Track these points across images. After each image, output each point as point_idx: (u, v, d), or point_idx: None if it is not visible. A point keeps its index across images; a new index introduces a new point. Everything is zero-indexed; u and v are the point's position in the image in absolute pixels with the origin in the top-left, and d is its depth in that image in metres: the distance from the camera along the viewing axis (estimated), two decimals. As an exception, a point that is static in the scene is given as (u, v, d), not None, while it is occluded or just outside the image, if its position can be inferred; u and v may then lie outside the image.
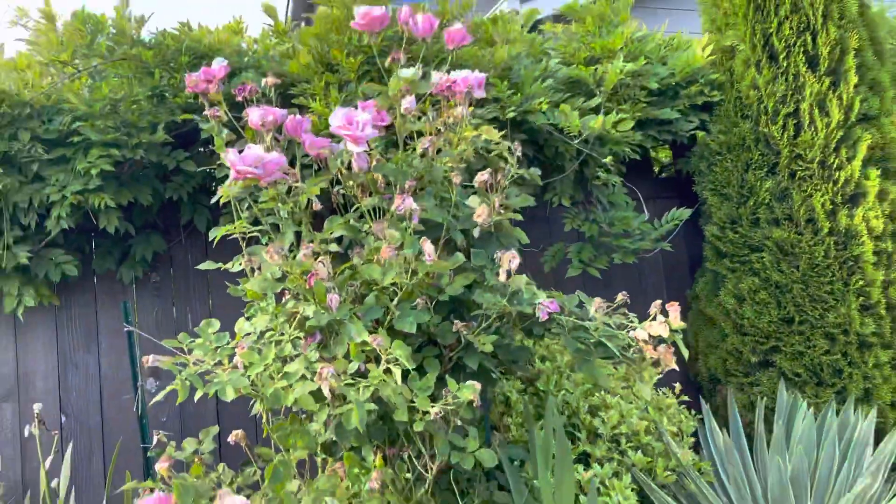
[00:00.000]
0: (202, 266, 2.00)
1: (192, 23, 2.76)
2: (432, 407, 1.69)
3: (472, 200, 1.94)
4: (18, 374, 2.78)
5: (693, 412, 2.74)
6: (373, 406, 1.63)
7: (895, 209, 2.85)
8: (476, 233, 1.98)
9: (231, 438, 1.92)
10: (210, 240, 2.27)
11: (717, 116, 3.14)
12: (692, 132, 3.14)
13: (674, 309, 1.84)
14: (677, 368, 2.21)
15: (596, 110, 2.84)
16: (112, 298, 2.89)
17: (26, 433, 2.42)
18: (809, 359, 2.81)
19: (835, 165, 2.84)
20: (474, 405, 1.79)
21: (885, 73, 3.01)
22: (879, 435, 2.71)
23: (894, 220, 2.86)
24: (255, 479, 1.99)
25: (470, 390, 1.71)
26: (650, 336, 1.84)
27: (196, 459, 1.92)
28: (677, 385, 2.80)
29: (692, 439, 2.63)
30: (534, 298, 1.89)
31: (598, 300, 1.85)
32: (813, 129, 2.87)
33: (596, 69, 2.89)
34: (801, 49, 2.92)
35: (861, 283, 2.78)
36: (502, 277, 1.80)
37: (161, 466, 1.69)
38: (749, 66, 3.02)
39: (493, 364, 2.01)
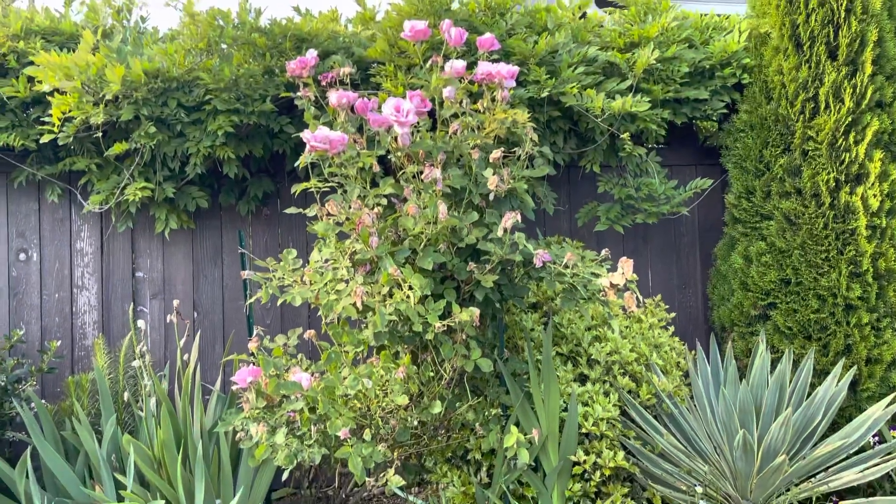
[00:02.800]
0: (288, 210, 2.68)
1: (301, 8, 3.38)
2: (440, 322, 2.32)
3: (487, 172, 2.48)
4: (164, 278, 3.56)
5: (692, 352, 3.21)
6: (394, 317, 2.27)
7: (895, 189, 3.17)
8: (491, 197, 2.54)
9: (306, 335, 2.63)
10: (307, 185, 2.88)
11: (746, 97, 3.49)
12: (722, 111, 3.52)
13: (628, 264, 2.36)
14: (672, 313, 2.72)
15: (628, 91, 3.29)
16: (233, 226, 3.60)
17: (167, 321, 3.22)
18: (801, 316, 3.21)
19: (842, 147, 3.17)
20: (474, 325, 2.39)
21: (903, 65, 3.27)
22: (854, 386, 3.14)
23: (893, 199, 3.18)
24: (322, 368, 2.67)
25: (468, 314, 2.32)
26: (612, 284, 2.38)
27: (281, 348, 2.64)
28: (671, 328, 3.29)
29: (680, 372, 3.14)
30: (529, 250, 2.44)
31: (569, 253, 2.37)
32: (827, 113, 3.20)
33: (631, 54, 3.33)
34: (824, 40, 3.22)
35: (853, 253, 3.13)
36: (499, 233, 2.36)
37: (251, 345, 2.42)
38: (778, 53, 3.34)
39: (497, 297, 2.58)
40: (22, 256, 3.46)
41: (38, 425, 2.73)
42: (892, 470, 2.63)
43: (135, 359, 2.98)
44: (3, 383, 2.91)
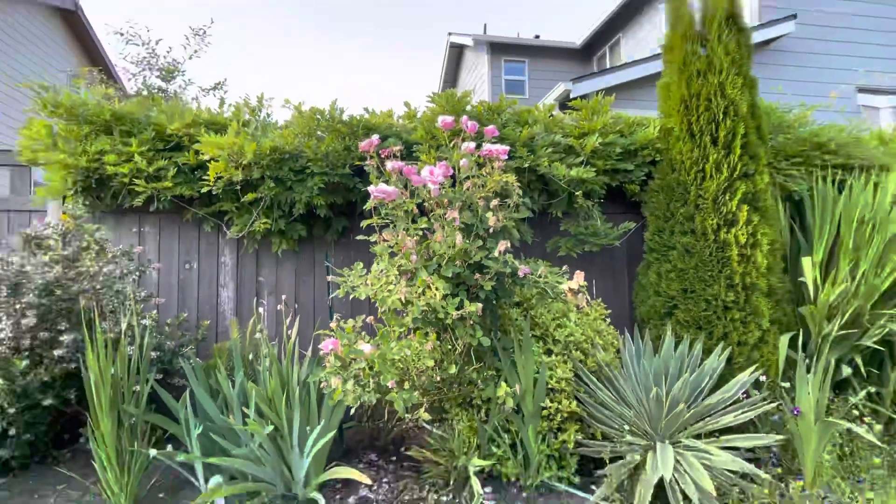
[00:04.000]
0: (358, 237, 2.71)
1: (369, 108, 3.45)
2: (456, 311, 2.32)
3: (488, 215, 2.50)
4: (276, 282, 3.59)
5: (622, 336, 3.18)
6: (426, 307, 2.28)
7: (756, 230, 3.14)
8: (491, 230, 2.56)
9: (368, 320, 2.65)
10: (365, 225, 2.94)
11: (658, 169, 3.48)
12: (643, 178, 3.52)
13: (579, 275, 2.35)
14: (609, 310, 2.69)
15: (580, 164, 3.30)
16: (321, 249, 3.63)
17: (279, 308, 3.24)
18: (694, 313, 3.17)
19: (721, 202, 3.15)
20: (479, 314, 2.39)
21: (762, 148, 3.25)
22: (730, 361, 3.07)
23: (755, 236, 3.15)
24: (379, 341, 2.69)
25: (474, 307, 2.33)
26: (570, 289, 2.37)
27: (351, 328, 2.65)
28: (608, 320, 3.25)
29: (615, 350, 3.10)
30: (515, 266, 2.46)
31: (543, 267, 2.38)
32: (711, 180, 3.19)
33: (583, 140, 3.34)
34: (709, 132, 3.23)
35: (729, 272, 3.10)
36: (496, 253, 2.38)
37: (332, 325, 2.43)
38: (678, 141, 3.34)
39: (494, 296, 2.58)
40: (187, 266, 3.51)
41: (194, 375, 2.75)
42: (755, 416, 2.57)
43: (257, 334, 3.00)
44: (174, 346, 2.93)
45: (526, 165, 3.11)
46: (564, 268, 2.53)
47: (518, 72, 12.30)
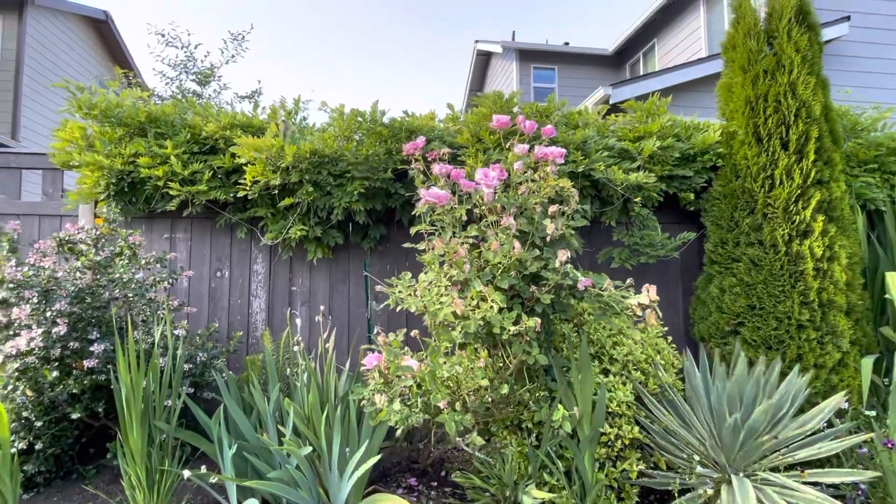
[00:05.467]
0: (406, 245, 2.58)
1: (409, 111, 3.35)
2: (513, 326, 2.17)
3: (546, 221, 2.36)
4: (310, 291, 3.49)
5: (682, 355, 2.99)
6: (482, 322, 2.13)
7: (833, 242, 2.93)
8: (548, 239, 2.41)
9: (412, 334, 2.50)
10: (410, 230, 2.82)
11: (719, 176, 3.30)
12: (703, 185, 3.33)
13: (652, 289, 2.17)
14: (666, 326, 2.52)
15: (636, 169, 3.14)
16: (357, 257, 3.52)
17: (317, 319, 3.12)
18: (764, 332, 2.96)
19: (793, 211, 2.95)
20: (536, 330, 2.24)
21: (837, 153, 3.04)
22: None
23: (832, 248, 2.93)
24: (423, 356, 2.56)
25: (533, 321, 2.17)
26: (639, 304, 2.20)
27: (395, 342, 2.51)
28: (669, 338, 3.06)
29: (677, 371, 2.90)
30: (576, 277, 2.30)
31: (608, 281, 2.21)
32: (781, 187, 2.99)
33: (639, 144, 3.18)
34: (778, 136, 3.04)
35: (803, 287, 2.89)
36: (557, 264, 2.23)
37: (380, 339, 2.29)
38: (743, 145, 3.16)
39: (551, 311, 2.42)
40: (218, 274, 3.42)
41: (227, 390, 2.64)
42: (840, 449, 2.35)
43: (291, 346, 2.88)
44: (205, 358, 2.83)
45: (580, 170, 2.96)
46: (629, 281, 2.35)
47: (548, 79, 12.17)
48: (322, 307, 2.84)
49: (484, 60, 14.80)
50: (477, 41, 13.84)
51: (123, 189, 3.09)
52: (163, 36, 6.98)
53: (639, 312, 2.23)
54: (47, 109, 11.57)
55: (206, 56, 7.01)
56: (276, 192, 3.02)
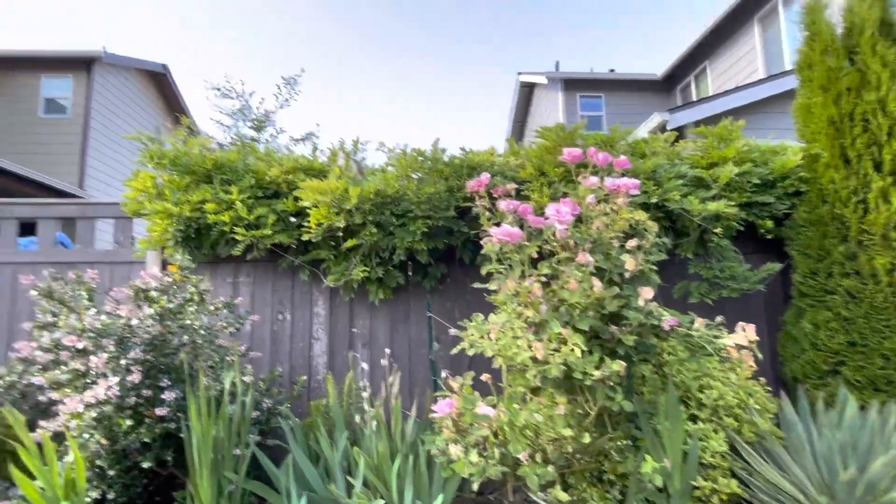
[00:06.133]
0: (476, 285, 2.52)
1: (467, 145, 3.35)
2: (596, 371, 2.06)
3: (625, 257, 2.27)
4: (370, 332, 3.47)
5: (778, 399, 2.77)
6: (563, 367, 2.04)
7: (945, 271, 2.69)
8: (627, 275, 2.30)
9: (484, 377, 2.41)
10: (471, 268, 2.77)
11: (803, 201, 3.12)
12: (785, 211, 3.16)
13: (749, 328, 2.03)
14: (757, 368, 2.35)
15: (712, 198, 3.00)
16: (418, 297, 3.48)
17: (382, 363, 3.08)
18: (869, 371, 2.73)
19: (894, 238, 2.74)
20: (620, 375, 2.12)
21: (940, 173, 2.83)
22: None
23: (944, 278, 2.69)
24: (494, 401, 2.46)
25: (617, 365, 2.05)
26: (736, 344, 2.05)
27: (468, 388, 2.43)
28: (762, 379, 2.84)
29: (772, 416, 2.68)
30: (661, 316, 2.18)
31: (699, 320, 2.09)
32: (877, 212, 2.80)
33: (713, 171, 3.05)
34: (869, 157, 2.86)
35: (913, 321, 2.66)
36: (641, 303, 2.12)
37: (453, 384, 2.22)
38: (828, 168, 2.99)
39: (634, 352, 2.30)
40: (280, 317, 3.46)
41: (294, 437, 2.61)
42: None
43: (354, 390, 2.84)
44: (270, 404, 2.82)
45: (653, 200, 2.85)
46: (719, 318, 2.21)
47: (595, 107, 12.12)
48: (387, 350, 2.81)
49: (527, 91, 14.93)
50: (520, 73, 14.02)
51: (190, 235, 3.19)
52: (219, 90, 7.42)
53: (734, 354, 2.08)
54: (109, 158, 12.38)
55: (260, 102, 7.38)
56: (340, 233, 3.04)
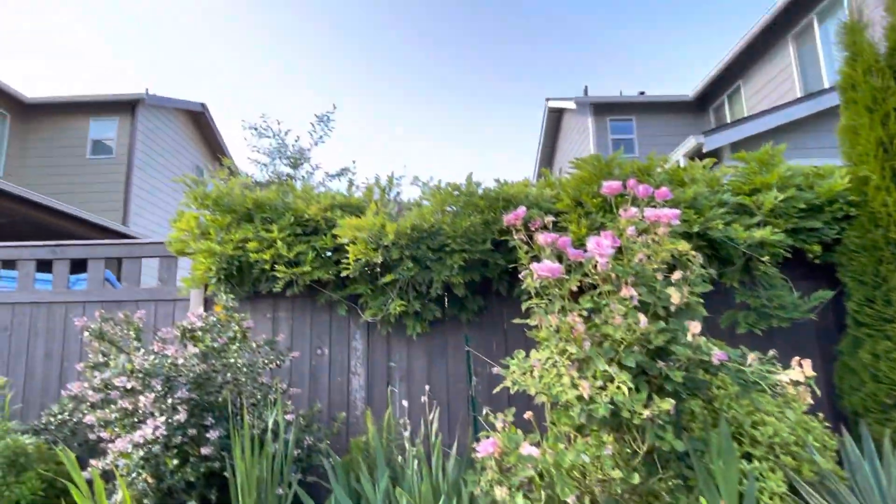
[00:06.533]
0: (515, 321, 2.52)
1: (501, 177, 3.37)
2: (645, 409, 2.01)
3: (670, 289, 2.22)
4: (407, 367, 3.47)
5: (837, 435, 2.64)
6: (610, 406, 1.99)
7: None
8: (672, 308, 2.26)
9: (526, 416, 2.37)
10: (509, 299, 2.75)
11: (854, 226, 3.02)
12: (834, 236, 3.06)
13: (806, 363, 1.95)
14: (812, 402, 2.25)
15: (757, 225, 2.93)
16: (454, 330, 3.48)
17: (422, 400, 3.07)
18: (938, 405, 2.58)
19: (957, 263, 2.62)
20: (670, 413, 2.06)
21: None
22: None
23: None
24: (538, 440, 2.41)
25: (667, 403, 2.00)
26: (791, 379, 1.97)
27: (512, 428, 2.39)
28: (820, 414, 2.71)
29: (833, 454, 2.55)
30: (710, 350, 2.12)
31: (752, 354, 2.02)
32: (937, 235, 2.68)
33: (756, 197, 2.99)
34: (925, 178, 2.76)
35: (984, 351, 2.51)
36: (688, 337, 2.07)
37: (498, 425, 2.19)
38: (879, 191, 2.89)
39: (683, 389, 2.24)
40: (318, 352, 3.50)
41: (335, 476, 2.62)
42: None
43: (394, 426, 2.83)
44: (311, 441, 2.84)
45: (695, 230, 2.81)
46: (772, 352, 2.14)
47: (625, 130, 12.07)
48: (426, 387, 2.80)
49: (556, 117, 14.99)
50: (548, 99, 14.11)
51: (232, 273, 3.28)
52: (255, 129, 7.73)
53: (790, 390, 2.00)
54: (149, 195, 12.92)
55: (296, 140, 7.61)
56: (377, 269, 3.08)
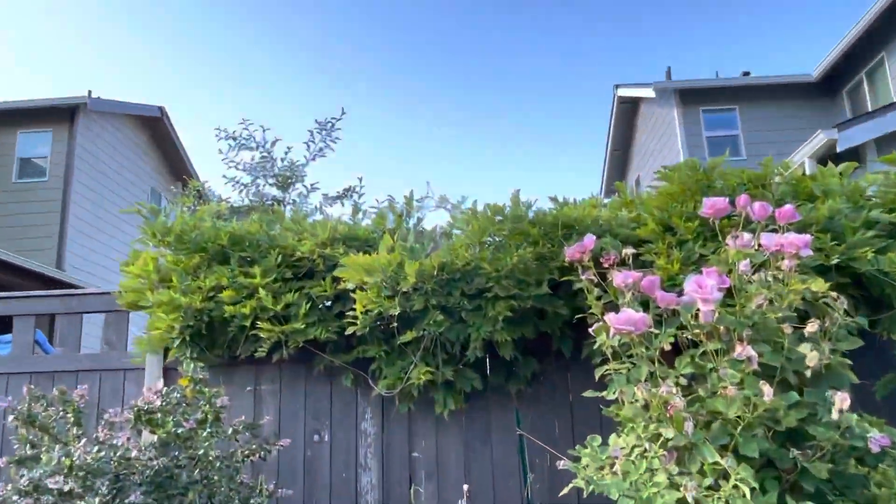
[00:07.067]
0: (587, 394, 2.48)
1: (558, 194, 3.37)
2: (776, 519, 1.93)
3: (803, 347, 2.16)
4: (437, 458, 3.42)
5: None
6: (726, 513, 1.93)
7: None
8: (808, 373, 2.19)
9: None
10: (572, 362, 2.71)
11: None
12: None
13: None
14: None
15: (923, 252, 2.84)
16: (500, 406, 3.46)
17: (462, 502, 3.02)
18: None
19: None
20: (812, 523, 1.98)
21: None
22: None
23: None
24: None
25: (807, 509, 1.93)
26: None
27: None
28: None
29: None
30: (865, 432, 2.05)
31: (927, 440, 1.93)
32: None
33: (920, 214, 2.91)
34: None
35: None
36: (835, 415, 2.00)
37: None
38: None
39: (829, 487, 2.15)
40: (316, 437, 3.50)
41: None
42: None
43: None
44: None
45: (833, 261, 2.74)
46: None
47: (726, 124, 12.02)
48: (465, 486, 2.76)
49: (628, 110, 15.05)
50: (617, 86, 14.22)
51: (201, 332, 3.34)
52: (234, 139, 7.83)
53: None
54: (93, 228, 13.34)
55: (287, 152, 7.71)
56: (394, 323, 3.09)
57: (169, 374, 3.63)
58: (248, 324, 3.21)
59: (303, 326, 3.16)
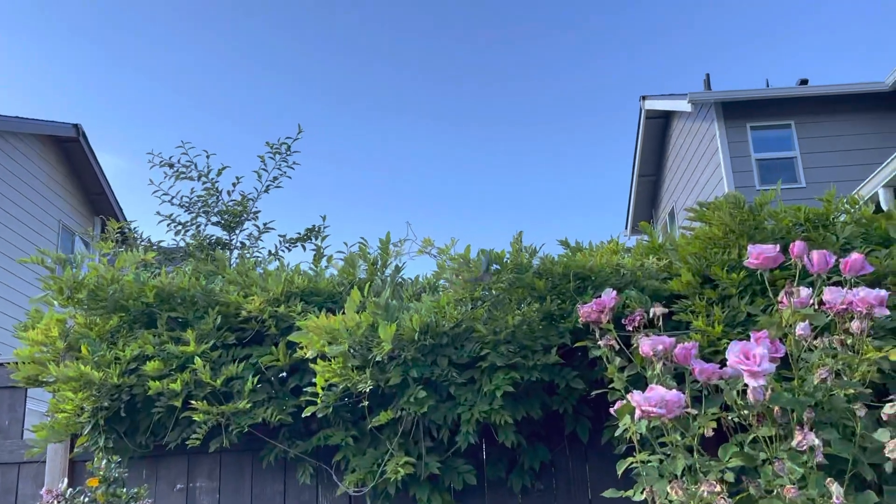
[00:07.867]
0: (607, 493, 2.47)
1: (569, 240, 3.40)
2: None
3: (881, 433, 2.15)
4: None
5: None
6: None
7: None
8: (888, 467, 2.18)
9: None
10: (590, 448, 2.71)
11: None
12: None
13: None
14: None
15: None
16: (500, 505, 3.46)
17: None
18: None
19: None
20: None
21: None
22: None
23: None
24: None
25: None
26: None
27: None
28: None
29: None
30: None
31: None
32: None
33: None
34: None
35: None
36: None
37: None
38: None
39: None
40: (266, 554, 3.45)
41: None
42: None
43: None
44: None
45: (916, 324, 2.76)
46: None
47: (780, 143, 12.20)
48: None
49: (658, 126, 15.29)
50: (644, 97, 14.44)
51: (119, 414, 3.30)
52: (171, 166, 7.75)
53: None
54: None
55: (235, 184, 7.59)
56: (365, 402, 3.08)
57: (77, 468, 3.58)
58: (178, 403, 3.19)
59: (249, 406, 3.15)
